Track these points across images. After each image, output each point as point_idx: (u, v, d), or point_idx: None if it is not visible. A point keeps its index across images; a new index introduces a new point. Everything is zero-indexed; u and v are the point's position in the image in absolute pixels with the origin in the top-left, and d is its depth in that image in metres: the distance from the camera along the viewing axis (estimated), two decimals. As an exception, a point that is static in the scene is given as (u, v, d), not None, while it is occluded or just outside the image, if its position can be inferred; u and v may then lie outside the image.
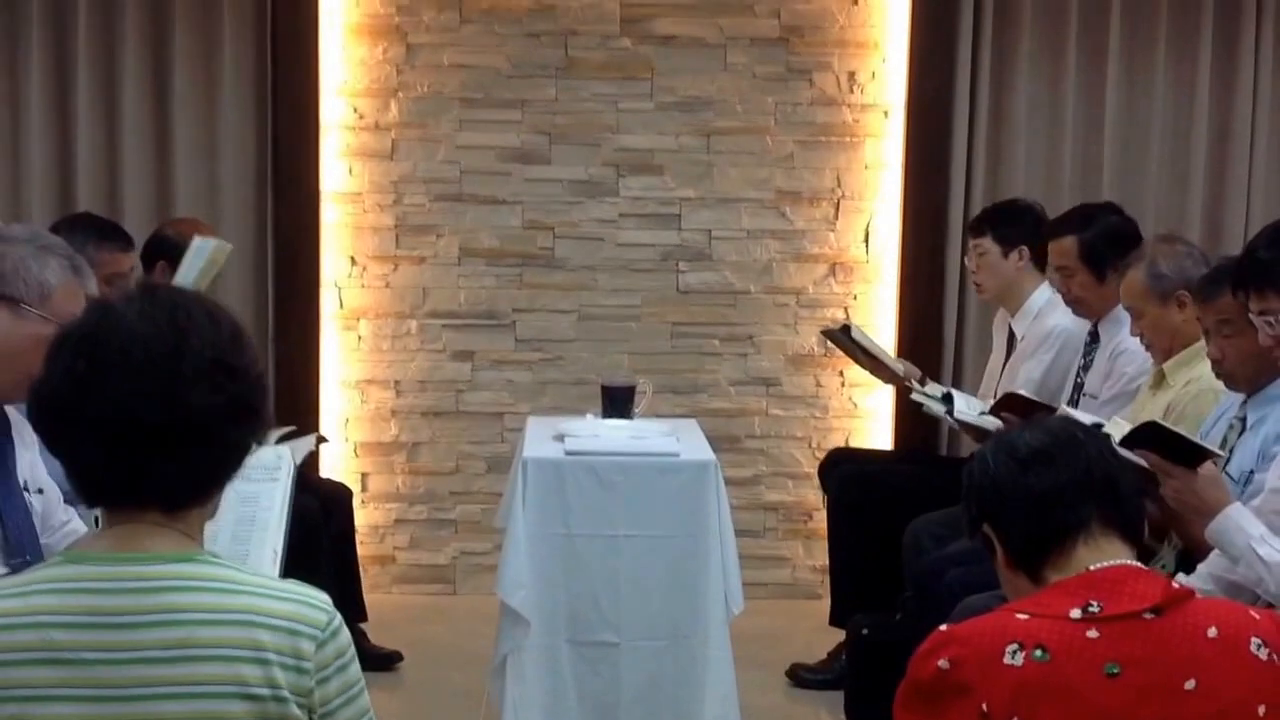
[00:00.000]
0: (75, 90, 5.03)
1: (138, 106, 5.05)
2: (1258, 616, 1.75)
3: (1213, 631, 1.69)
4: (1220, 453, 2.86)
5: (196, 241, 3.66)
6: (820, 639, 4.58)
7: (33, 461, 2.77)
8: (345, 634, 1.69)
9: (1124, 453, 2.85)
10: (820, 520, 5.00)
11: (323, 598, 1.69)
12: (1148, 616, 1.69)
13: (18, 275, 2.53)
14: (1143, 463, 2.80)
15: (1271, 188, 5.22)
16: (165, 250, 4.33)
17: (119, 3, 5.01)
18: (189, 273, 3.32)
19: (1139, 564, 1.76)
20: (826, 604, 4.74)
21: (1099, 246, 4.03)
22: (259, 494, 2.53)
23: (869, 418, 5.36)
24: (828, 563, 4.80)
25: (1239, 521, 2.69)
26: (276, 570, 2.46)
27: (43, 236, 2.68)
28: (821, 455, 5.21)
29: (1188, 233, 5.09)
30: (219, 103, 5.07)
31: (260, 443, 1.76)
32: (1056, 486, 1.77)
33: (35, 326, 2.52)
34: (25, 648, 1.61)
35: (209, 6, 5.04)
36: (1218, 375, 3.20)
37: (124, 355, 1.63)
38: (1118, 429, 2.88)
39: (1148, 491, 2.88)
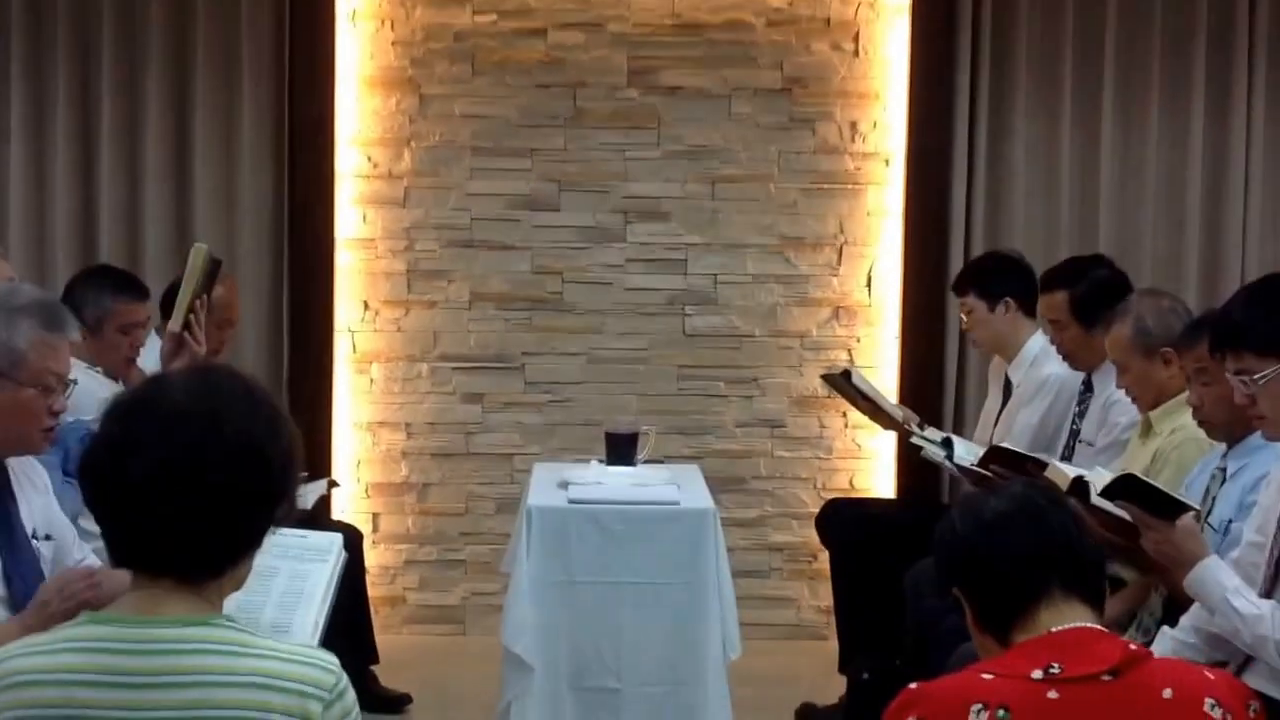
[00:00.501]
0: (99, 140, 5.17)
1: (159, 157, 5.19)
2: (1212, 677, 1.84)
3: (1168, 693, 1.78)
4: (1196, 506, 2.94)
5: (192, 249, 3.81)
6: (826, 680, 4.65)
7: (45, 506, 2.86)
8: (351, 695, 1.79)
9: (1105, 504, 2.95)
10: (825, 561, 5.06)
11: (330, 659, 1.78)
12: (1106, 678, 1.78)
13: None
14: (1124, 514, 2.90)
15: (1266, 232, 5.31)
16: None
17: (141, 55, 5.15)
18: (183, 285, 3.47)
19: (1100, 627, 1.85)
20: (832, 644, 4.82)
21: (1089, 300, 4.11)
22: (309, 573, 2.64)
23: (873, 459, 5.44)
24: (833, 609, 4.87)
25: (1215, 574, 2.78)
26: (317, 641, 2.53)
27: (15, 296, 2.72)
28: (827, 496, 5.32)
29: (1184, 278, 5.21)
30: (237, 152, 5.20)
31: (282, 524, 1.85)
32: (1020, 553, 1.86)
33: (10, 391, 2.62)
34: (51, 704, 1.71)
35: (228, 59, 5.18)
36: (1198, 423, 3.29)
37: (161, 431, 1.74)
38: (1099, 479, 2.97)
39: (1123, 546, 2.99)
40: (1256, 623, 2.71)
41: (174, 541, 1.74)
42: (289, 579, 2.60)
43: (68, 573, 2.62)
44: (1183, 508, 2.85)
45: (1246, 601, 2.74)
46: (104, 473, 1.77)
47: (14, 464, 2.76)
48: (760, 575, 5.42)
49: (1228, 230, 5.28)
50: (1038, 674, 1.77)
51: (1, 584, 2.66)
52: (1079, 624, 1.83)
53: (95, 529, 2.74)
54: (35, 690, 1.72)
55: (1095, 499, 2.97)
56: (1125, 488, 2.87)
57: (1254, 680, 2.79)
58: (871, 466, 5.45)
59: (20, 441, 2.73)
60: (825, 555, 5.02)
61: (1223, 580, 2.77)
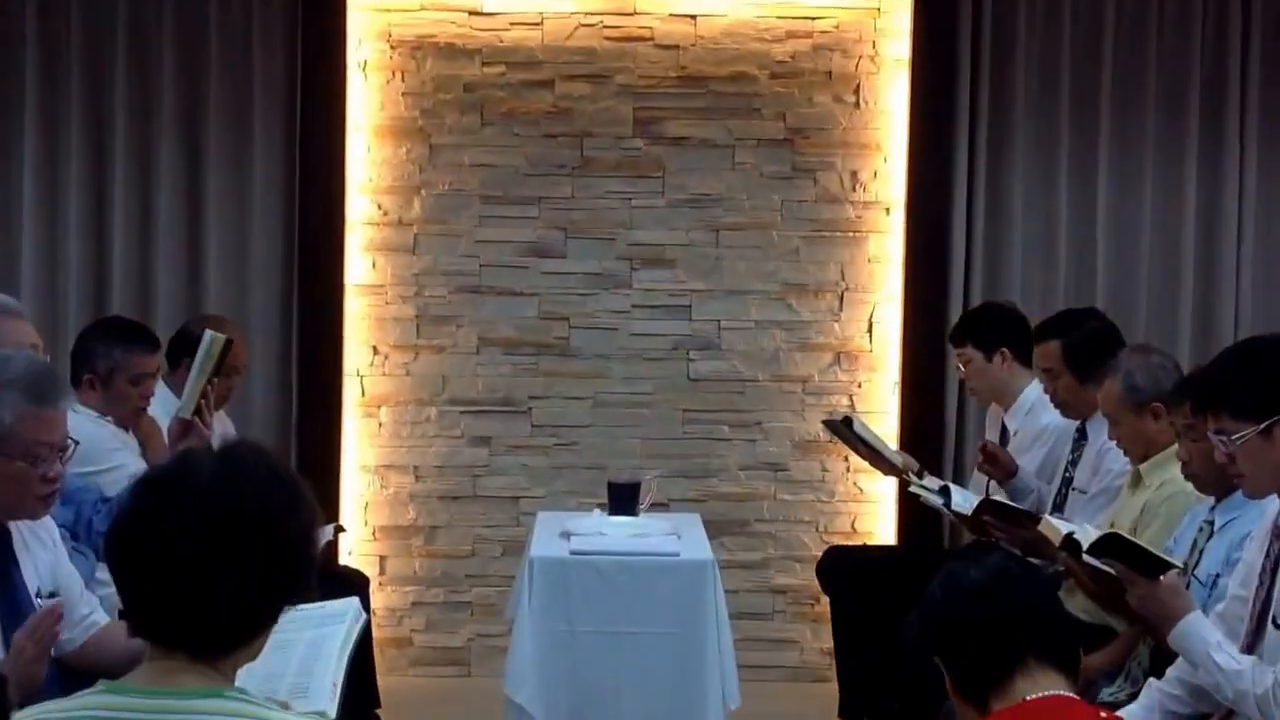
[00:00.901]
0: (111, 187, 5.26)
1: (171, 205, 5.27)
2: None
3: (1137, 759, 1.86)
4: (1178, 565, 3.02)
5: (205, 335, 3.87)
6: None
7: (53, 561, 2.91)
8: None
9: (1093, 561, 3.03)
10: (827, 604, 5.11)
11: None
12: (1077, 746, 1.86)
13: None
14: (1110, 570, 2.97)
15: (1259, 284, 5.39)
16: (189, 348, 4.51)
17: (154, 104, 5.24)
18: (193, 370, 3.54)
19: (1073, 695, 1.92)
20: (834, 686, 4.87)
21: (1083, 350, 4.19)
22: (325, 637, 2.72)
23: (874, 503, 5.51)
24: (834, 656, 4.92)
25: (1198, 629, 2.85)
26: (335, 702, 2.60)
27: (4, 369, 2.74)
28: (829, 539, 5.38)
29: (1178, 329, 5.29)
30: (249, 200, 5.29)
31: (296, 604, 1.92)
32: (996, 623, 1.94)
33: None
34: None
35: (240, 108, 5.27)
36: (1186, 477, 3.36)
37: (184, 511, 1.81)
38: (1086, 536, 3.05)
39: (1113, 599, 3.06)
40: (1237, 678, 2.78)
41: (191, 617, 1.81)
42: (307, 646, 2.67)
43: (34, 617, 2.65)
44: (1166, 565, 2.92)
45: (1228, 657, 2.81)
46: (127, 547, 1.84)
47: (21, 525, 2.82)
48: (763, 618, 5.49)
49: (1221, 283, 5.36)
50: (1013, 741, 1.85)
51: (1, 647, 2.69)
52: (1054, 692, 1.91)
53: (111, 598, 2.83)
54: None
55: (1086, 556, 3.05)
56: (1111, 545, 2.95)
57: (1235, 734, 2.88)
58: (873, 510, 5.52)
59: (17, 509, 2.79)
60: (827, 598, 5.08)
61: (1205, 636, 2.84)
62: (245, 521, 1.82)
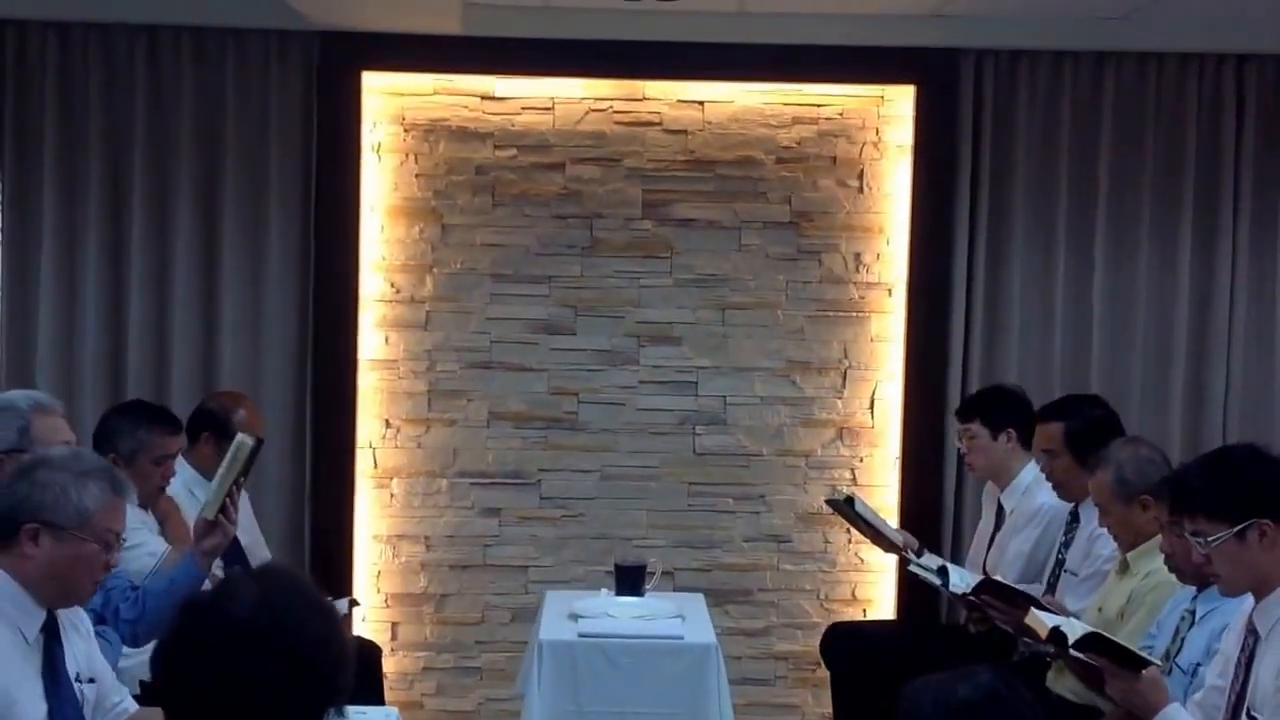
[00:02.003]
0: (129, 263, 5.37)
1: (188, 282, 5.39)
2: None
3: None
4: (1157, 662, 3.15)
5: (236, 438, 3.97)
6: None
7: (87, 650, 3.05)
8: None
9: (1078, 654, 3.16)
10: (827, 670, 5.22)
11: None
12: None
13: (59, 503, 2.84)
14: (1095, 664, 3.10)
15: (1250, 362, 5.51)
16: (209, 423, 4.67)
17: (172, 184, 5.36)
18: (221, 470, 3.67)
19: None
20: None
21: (1084, 435, 4.33)
22: None
23: (875, 573, 5.62)
24: (833, 722, 5.04)
25: None
26: None
27: (83, 460, 2.96)
28: (830, 607, 5.50)
29: (1170, 406, 5.41)
30: (265, 278, 5.42)
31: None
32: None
33: (75, 548, 2.84)
34: None
35: (256, 189, 5.39)
36: (1170, 568, 3.49)
37: (221, 638, 1.94)
38: (1071, 630, 3.17)
39: (1098, 685, 3.19)
40: None
41: None
42: None
43: None
44: (1145, 661, 3.05)
45: None
46: (169, 670, 1.97)
47: (61, 616, 2.96)
48: (766, 683, 5.60)
49: (1212, 360, 5.49)
50: None
51: None
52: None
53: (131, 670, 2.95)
54: None
55: (1072, 650, 3.18)
56: (1094, 643, 3.08)
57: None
58: (874, 580, 5.63)
59: (73, 594, 2.94)
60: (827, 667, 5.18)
61: None
62: (281, 651, 1.94)
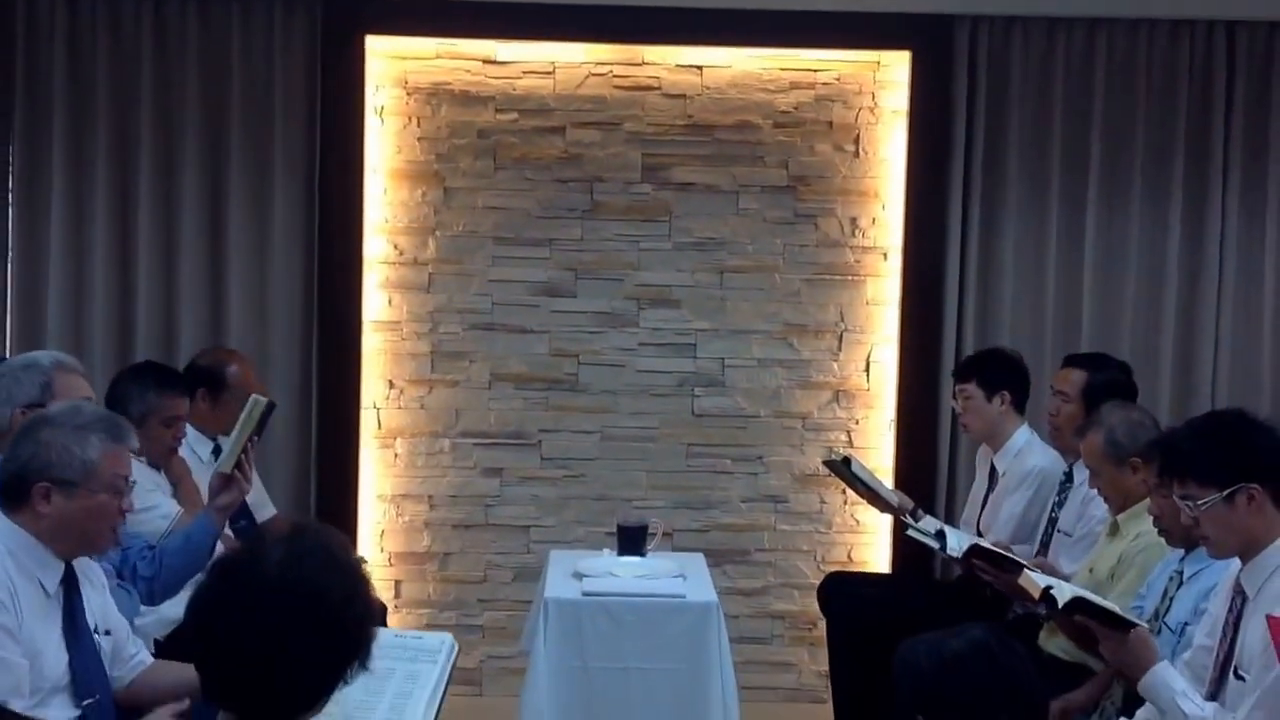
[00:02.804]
0: (137, 228, 5.44)
1: (194, 245, 5.46)
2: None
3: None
4: (1141, 623, 3.25)
5: (250, 399, 4.04)
6: None
7: (103, 603, 3.15)
8: None
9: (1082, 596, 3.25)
10: (824, 629, 5.28)
11: None
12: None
13: (64, 460, 2.92)
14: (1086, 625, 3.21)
15: (1239, 326, 5.59)
16: (202, 379, 4.73)
17: (179, 149, 5.44)
18: (235, 429, 3.74)
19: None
20: (829, 708, 5.08)
21: (1100, 391, 4.44)
22: (420, 673, 2.94)
23: (870, 533, 5.72)
24: (829, 679, 5.13)
25: (1165, 678, 3.09)
26: None
27: (81, 413, 3.03)
28: (827, 568, 5.59)
29: (1160, 369, 5.50)
30: (270, 241, 5.49)
31: (350, 681, 2.13)
32: (973, 691, 2.17)
33: (86, 500, 2.93)
34: None
35: (262, 153, 5.46)
36: (1158, 531, 3.59)
37: (251, 595, 2.05)
38: (1061, 593, 3.27)
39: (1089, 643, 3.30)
40: None
41: (258, 690, 2.05)
42: (402, 680, 2.90)
43: (159, 713, 2.91)
44: (1129, 624, 3.16)
45: (1193, 704, 3.04)
46: (202, 625, 2.08)
47: (76, 564, 3.05)
48: (763, 641, 5.70)
49: (1201, 330, 5.57)
50: (986, 798, 2.08)
51: (67, 675, 2.95)
52: (1024, 752, 2.14)
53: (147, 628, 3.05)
54: None
55: (1064, 613, 3.28)
56: (1083, 606, 3.19)
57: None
58: (869, 541, 5.73)
59: (92, 543, 3.03)
60: (824, 623, 5.27)
61: (1172, 684, 3.08)
62: (308, 608, 2.04)
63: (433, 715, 2.88)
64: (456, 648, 3.07)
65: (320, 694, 2.10)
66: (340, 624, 2.07)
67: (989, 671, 2.18)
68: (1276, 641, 2.67)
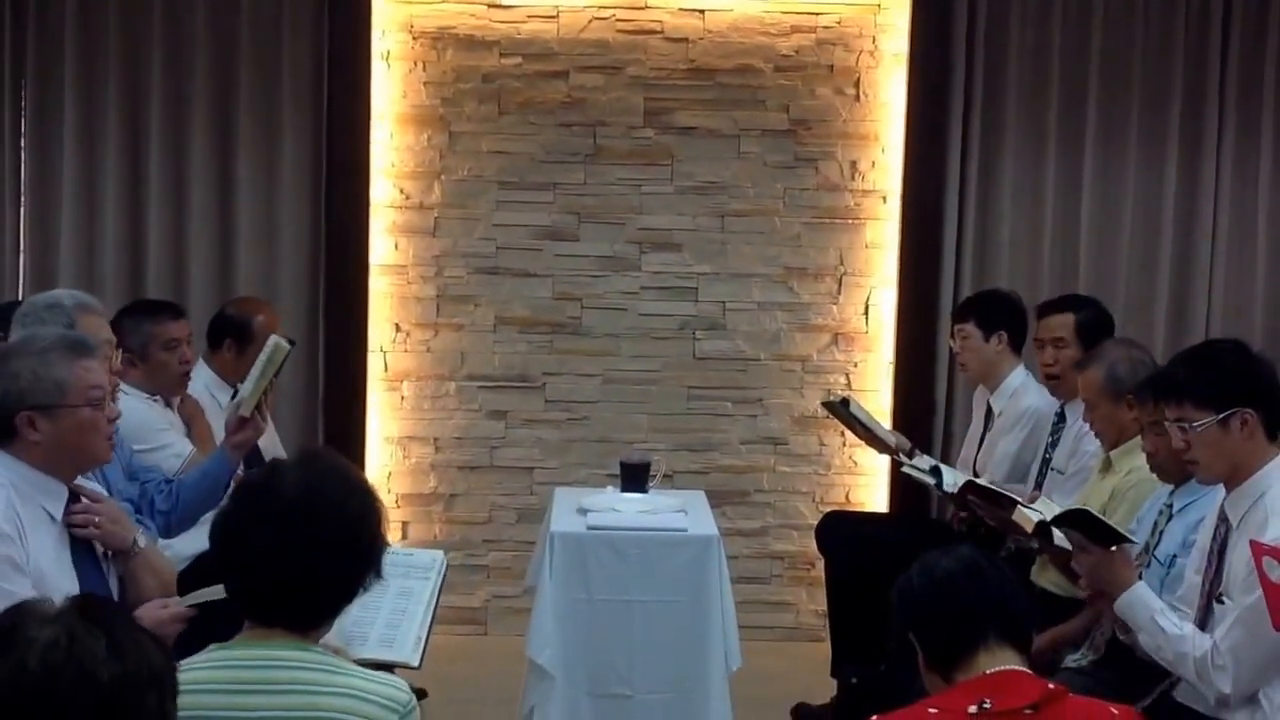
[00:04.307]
0: (147, 177, 5.53)
1: (203, 189, 5.54)
2: (1116, 713, 2.23)
3: (1078, 724, 2.18)
4: (1134, 540, 3.33)
5: (270, 340, 4.10)
6: (821, 679, 4.97)
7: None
8: (418, 713, 2.21)
9: (1064, 543, 3.34)
10: (822, 569, 5.36)
11: (403, 683, 2.21)
12: (1028, 712, 2.17)
13: (35, 386, 2.93)
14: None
15: (1231, 271, 5.67)
16: (229, 329, 4.81)
17: (188, 96, 5.51)
18: (255, 370, 3.80)
19: (1025, 669, 2.24)
20: (827, 646, 5.16)
21: (1092, 327, 4.52)
22: (413, 589, 3.06)
23: (869, 475, 5.81)
24: (827, 618, 5.23)
25: (1143, 597, 3.19)
26: (420, 653, 2.95)
27: (39, 339, 3.04)
28: (825, 509, 5.67)
29: (1154, 316, 5.58)
30: (278, 185, 5.56)
31: (368, 588, 2.24)
32: (962, 607, 2.25)
33: (69, 417, 2.95)
34: (182, 708, 2.11)
35: (269, 99, 5.53)
36: (1151, 468, 3.66)
37: (273, 516, 2.17)
38: (1048, 509, 3.36)
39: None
40: (1179, 642, 3.10)
41: (282, 602, 2.18)
42: (396, 595, 3.01)
43: (149, 606, 2.97)
44: (1122, 539, 3.24)
45: (1171, 622, 3.13)
46: (226, 544, 2.20)
47: (84, 493, 3.08)
48: (762, 581, 5.80)
49: (1195, 274, 5.65)
50: (973, 709, 2.16)
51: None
52: (1009, 667, 2.22)
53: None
54: None
55: (1057, 541, 3.37)
56: (1075, 519, 3.26)
57: (1181, 696, 3.20)
58: (867, 482, 5.82)
59: (90, 456, 3.07)
60: (822, 563, 5.33)
61: (1150, 603, 3.17)
62: (324, 524, 2.17)
63: (427, 629, 2.98)
64: (446, 563, 3.16)
65: (342, 603, 2.22)
66: (358, 537, 2.20)
67: (977, 588, 2.27)
68: (1259, 565, 2.75)
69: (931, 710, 2.19)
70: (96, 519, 2.99)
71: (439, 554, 3.22)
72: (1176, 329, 5.61)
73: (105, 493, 3.24)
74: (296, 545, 2.14)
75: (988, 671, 2.21)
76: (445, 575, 3.16)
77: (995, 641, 2.24)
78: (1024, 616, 2.28)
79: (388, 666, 2.71)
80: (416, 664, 2.90)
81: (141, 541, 3.07)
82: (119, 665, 1.64)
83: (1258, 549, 2.77)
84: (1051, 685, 2.21)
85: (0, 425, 2.94)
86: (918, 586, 2.31)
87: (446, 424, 5.76)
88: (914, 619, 2.30)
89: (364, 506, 2.23)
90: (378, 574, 2.25)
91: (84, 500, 3.01)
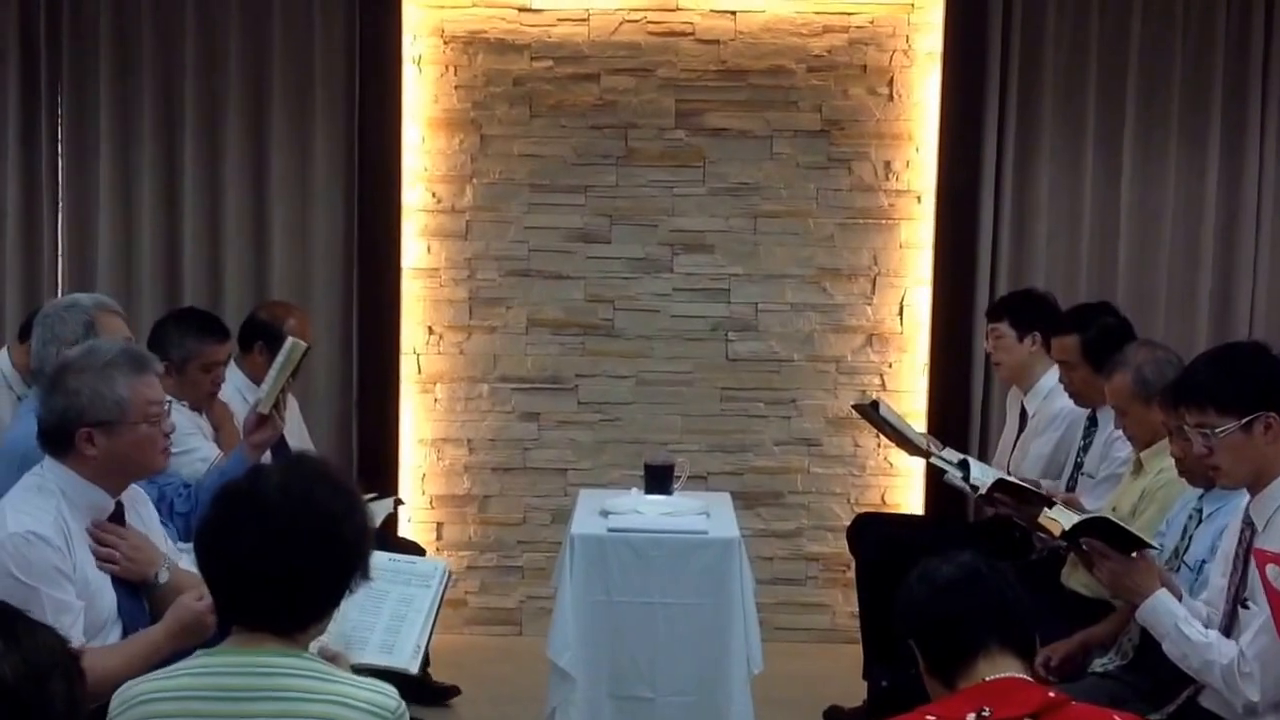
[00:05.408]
0: (182, 180, 5.57)
1: (238, 194, 5.58)
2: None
3: (1081, 733, 2.14)
4: (1156, 546, 3.27)
5: (287, 341, 4.13)
6: (855, 681, 4.95)
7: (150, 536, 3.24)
8: (407, 716, 2.19)
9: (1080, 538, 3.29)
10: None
11: (392, 690, 2.19)
12: (1028, 720, 2.15)
13: (96, 403, 2.96)
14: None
15: (1276, 270, 5.58)
16: (260, 332, 4.84)
17: (222, 101, 5.55)
18: (273, 370, 3.82)
19: (1027, 677, 2.20)
20: (861, 648, 5.14)
21: (1099, 344, 4.42)
22: (414, 597, 3.05)
23: (903, 476, 5.77)
24: (859, 619, 5.18)
25: (1166, 605, 3.13)
26: (418, 661, 2.95)
27: (99, 353, 3.06)
28: (860, 510, 5.64)
29: (1197, 313, 5.49)
30: (311, 189, 5.59)
31: (354, 590, 2.23)
32: (962, 613, 2.22)
33: (128, 434, 2.98)
34: (169, 714, 2.13)
35: (302, 103, 5.56)
36: (1180, 471, 3.60)
37: (256, 520, 2.16)
38: (1065, 517, 3.31)
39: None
40: (1205, 649, 3.05)
41: (266, 606, 2.16)
42: (397, 602, 3.01)
43: (184, 599, 2.98)
44: (1144, 546, 3.19)
45: (1196, 630, 3.08)
46: (209, 550, 2.19)
47: (127, 499, 3.12)
48: (796, 583, 5.77)
49: (1238, 273, 5.56)
50: (971, 717, 2.13)
51: (117, 610, 3.00)
52: (1009, 674, 2.19)
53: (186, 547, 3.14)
54: (157, 704, 2.13)
55: (1068, 530, 3.33)
56: (1095, 526, 3.22)
57: (1207, 702, 3.15)
58: (902, 483, 5.78)
59: (145, 469, 3.11)
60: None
61: (1174, 610, 3.12)
62: (306, 527, 2.16)
63: (426, 637, 2.97)
64: (450, 573, 3.16)
65: (328, 605, 2.21)
66: (341, 537, 2.18)
67: (977, 594, 2.24)
68: (1263, 573, 2.70)
69: (929, 717, 2.16)
70: (116, 554, 2.99)
71: (441, 563, 3.22)
72: (1220, 328, 5.52)
73: (145, 495, 3.26)
74: (278, 546, 2.13)
75: (988, 679, 2.18)
76: (447, 584, 3.15)
77: (996, 648, 2.21)
78: (1026, 623, 2.25)
79: (385, 673, 2.71)
80: (415, 671, 2.90)
81: (163, 577, 3.05)
82: (18, 657, 1.64)
83: (1261, 557, 2.72)
84: (1052, 693, 2.18)
85: (57, 438, 2.97)
86: (918, 593, 2.28)
87: (480, 426, 5.77)
88: (914, 626, 2.28)
89: (347, 507, 2.21)
90: (364, 575, 2.23)
91: (106, 533, 2.99)
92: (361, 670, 2.37)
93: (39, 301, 5.10)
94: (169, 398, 4.22)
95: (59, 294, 5.49)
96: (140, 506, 3.21)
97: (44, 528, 2.83)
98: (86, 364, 3.01)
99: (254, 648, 2.16)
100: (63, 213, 5.62)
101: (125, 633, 2.98)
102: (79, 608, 2.86)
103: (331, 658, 2.26)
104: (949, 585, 2.26)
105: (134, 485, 3.19)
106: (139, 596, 3.09)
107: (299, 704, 2.11)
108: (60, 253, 5.64)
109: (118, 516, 3.09)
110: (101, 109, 5.55)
